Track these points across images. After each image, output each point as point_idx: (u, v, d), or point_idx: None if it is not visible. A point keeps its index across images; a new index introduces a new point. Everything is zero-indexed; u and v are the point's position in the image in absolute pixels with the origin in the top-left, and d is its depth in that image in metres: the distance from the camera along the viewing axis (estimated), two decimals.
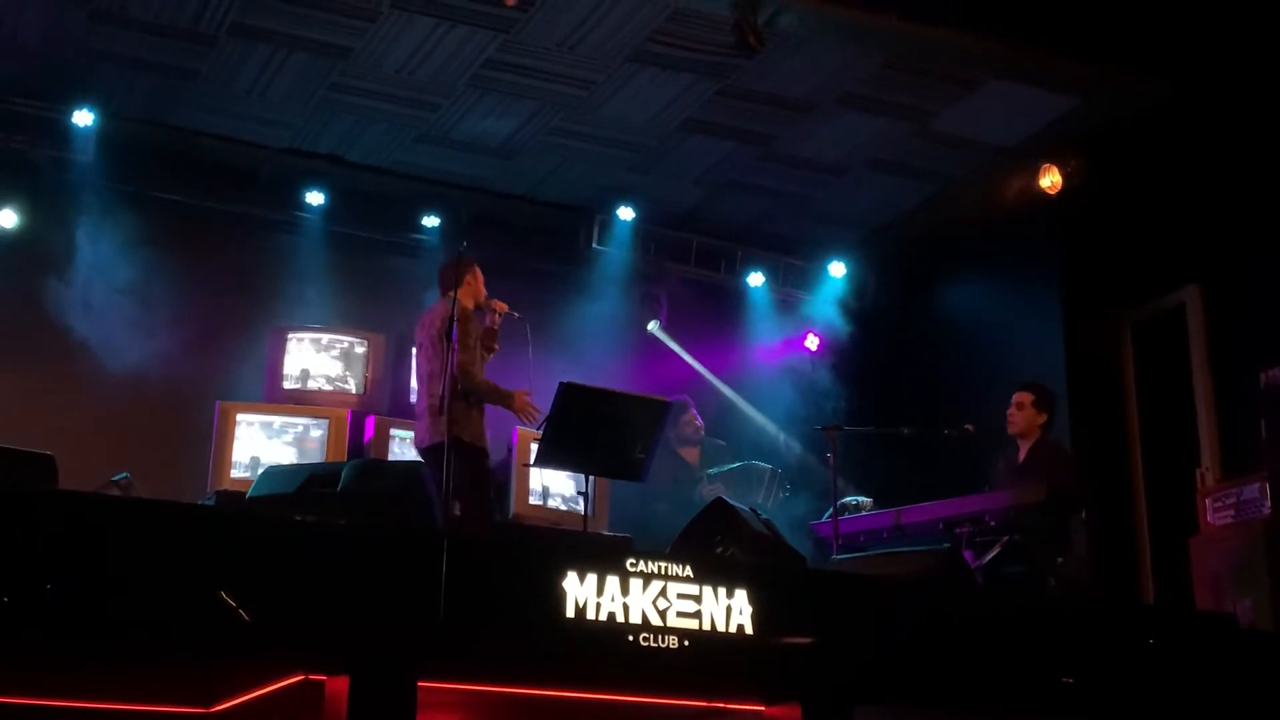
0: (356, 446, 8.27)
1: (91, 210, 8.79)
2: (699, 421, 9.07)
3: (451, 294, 7.01)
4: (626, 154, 9.49)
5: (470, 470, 6.86)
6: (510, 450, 8.37)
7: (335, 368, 8.60)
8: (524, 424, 7.40)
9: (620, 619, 5.30)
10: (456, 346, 6.86)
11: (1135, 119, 8.67)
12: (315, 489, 5.94)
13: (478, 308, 7.32)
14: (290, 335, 8.58)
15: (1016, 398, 7.76)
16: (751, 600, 5.50)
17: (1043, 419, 7.75)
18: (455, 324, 6.90)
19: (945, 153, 9.35)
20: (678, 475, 8.76)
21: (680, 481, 8.74)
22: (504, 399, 7.16)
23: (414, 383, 7.71)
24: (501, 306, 7.27)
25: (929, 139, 9.20)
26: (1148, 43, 8.20)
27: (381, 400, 8.66)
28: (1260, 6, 7.83)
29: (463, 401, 6.91)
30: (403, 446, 8.28)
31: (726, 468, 8.89)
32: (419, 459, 7.09)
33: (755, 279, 10.52)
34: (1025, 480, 7.44)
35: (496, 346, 7.34)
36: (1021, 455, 7.74)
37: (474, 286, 7.32)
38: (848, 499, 8.07)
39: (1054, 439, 7.97)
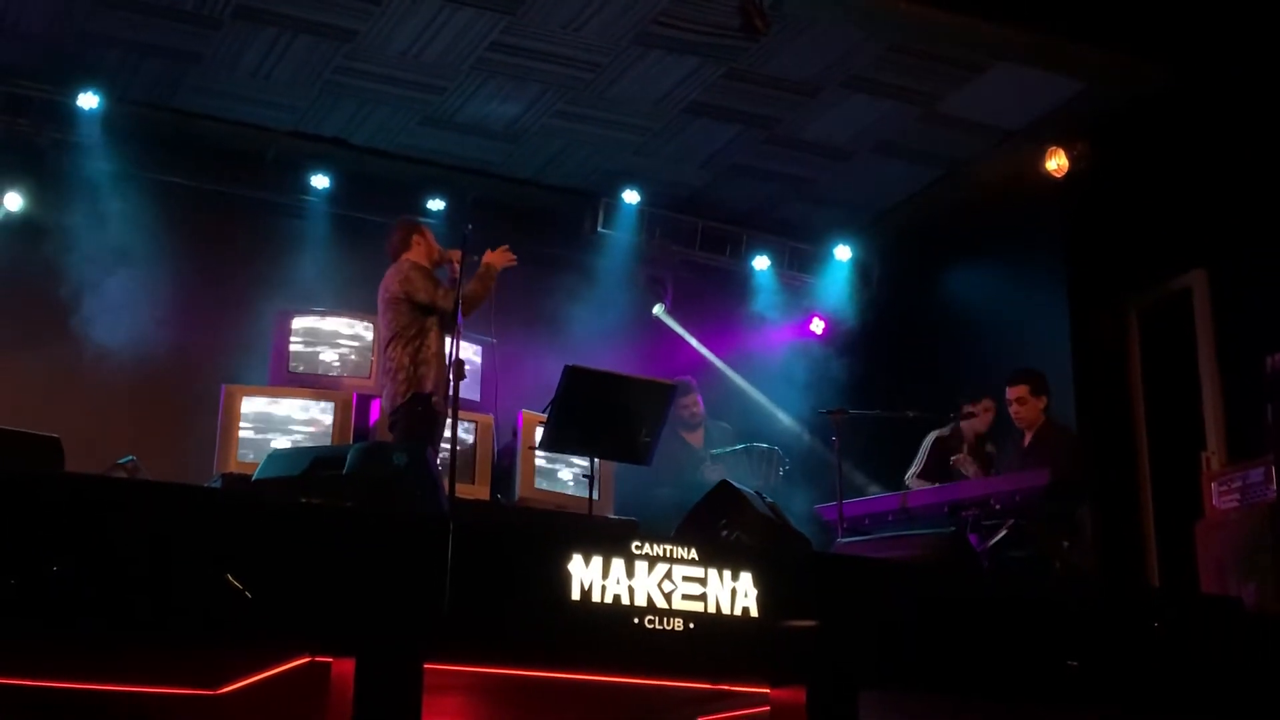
0: (362, 429, 8.26)
1: (96, 193, 8.79)
2: (698, 408, 9.03)
3: (458, 270, 7.05)
4: (632, 137, 9.47)
5: (431, 425, 7.00)
6: (516, 434, 8.37)
7: (340, 351, 8.58)
8: (509, 266, 7.45)
9: (625, 601, 5.32)
10: (461, 330, 6.89)
11: (1141, 103, 8.64)
12: (321, 472, 5.94)
13: (436, 264, 7.35)
14: (295, 318, 8.57)
15: (1013, 393, 7.73)
16: (757, 583, 5.52)
17: (1043, 403, 7.75)
18: (459, 308, 6.90)
19: (951, 136, 9.33)
20: (681, 459, 8.76)
21: (684, 465, 8.73)
22: (486, 273, 7.26)
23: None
24: (457, 255, 7.25)
25: (935, 122, 9.18)
26: (1154, 27, 8.18)
27: None
28: None
29: (434, 353, 7.03)
30: None
31: (729, 449, 8.89)
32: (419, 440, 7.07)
33: (761, 262, 10.51)
34: (1031, 464, 7.44)
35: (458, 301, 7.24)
36: (1026, 440, 7.74)
37: (425, 246, 7.39)
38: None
39: (1059, 423, 7.97)
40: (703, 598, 5.44)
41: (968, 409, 8.03)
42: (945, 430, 8.15)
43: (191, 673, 5.68)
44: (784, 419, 9.95)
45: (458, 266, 7.17)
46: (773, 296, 10.57)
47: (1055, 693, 6.00)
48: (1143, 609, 6.44)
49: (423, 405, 7.02)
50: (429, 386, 7.03)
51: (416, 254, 7.33)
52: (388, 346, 7.22)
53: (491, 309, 7.40)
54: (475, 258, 7.25)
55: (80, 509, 4.76)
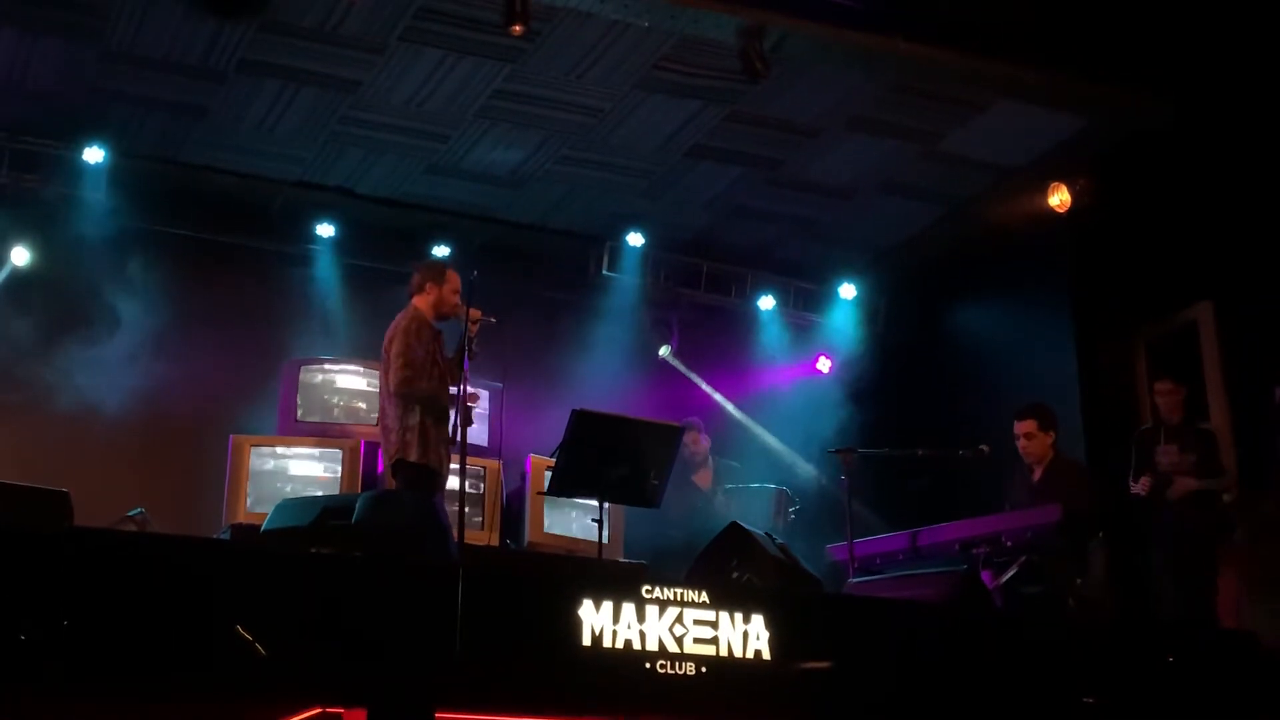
0: (370, 477, 8.26)
1: (103, 247, 8.82)
2: (702, 444, 9.02)
3: (474, 330, 6.86)
4: (635, 181, 9.51)
5: (427, 484, 6.78)
6: (524, 478, 8.37)
7: (348, 399, 8.60)
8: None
9: (637, 646, 5.31)
10: (468, 375, 6.83)
11: (1143, 137, 8.67)
12: (330, 521, 5.93)
13: (443, 316, 7.12)
14: (303, 367, 8.59)
15: (1021, 428, 7.68)
16: (768, 625, 5.50)
17: (1052, 437, 7.72)
18: (467, 354, 6.85)
19: (954, 174, 9.36)
20: (690, 500, 8.74)
21: (692, 506, 8.71)
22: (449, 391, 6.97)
23: None
24: (476, 314, 6.93)
25: (937, 160, 9.21)
26: (1155, 62, 8.21)
27: None
28: (1268, 26, 7.83)
29: (423, 420, 6.83)
30: None
31: (743, 485, 8.88)
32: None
33: (766, 302, 10.52)
34: (1042, 500, 7.41)
35: (473, 352, 6.94)
36: (1038, 475, 7.70)
37: (436, 294, 7.11)
38: None
39: (1070, 457, 7.94)
40: (714, 641, 5.41)
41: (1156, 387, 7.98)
42: (1147, 425, 8.04)
43: None
44: (792, 459, 9.93)
45: (475, 325, 6.86)
46: (779, 336, 10.58)
47: None
48: (1157, 643, 6.40)
49: (409, 470, 6.83)
50: (413, 453, 6.83)
51: (423, 302, 7.15)
52: (382, 400, 7.12)
53: (501, 352, 7.34)
54: (492, 319, 6.98)
55: (90, 563, 4.76)
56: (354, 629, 4.97)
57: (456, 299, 7.13)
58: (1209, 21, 7.98)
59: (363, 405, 8.55)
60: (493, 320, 6.98)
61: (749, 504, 8.65)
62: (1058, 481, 7.61)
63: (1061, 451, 7.83)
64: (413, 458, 6.82)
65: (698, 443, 8.98)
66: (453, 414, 6.80)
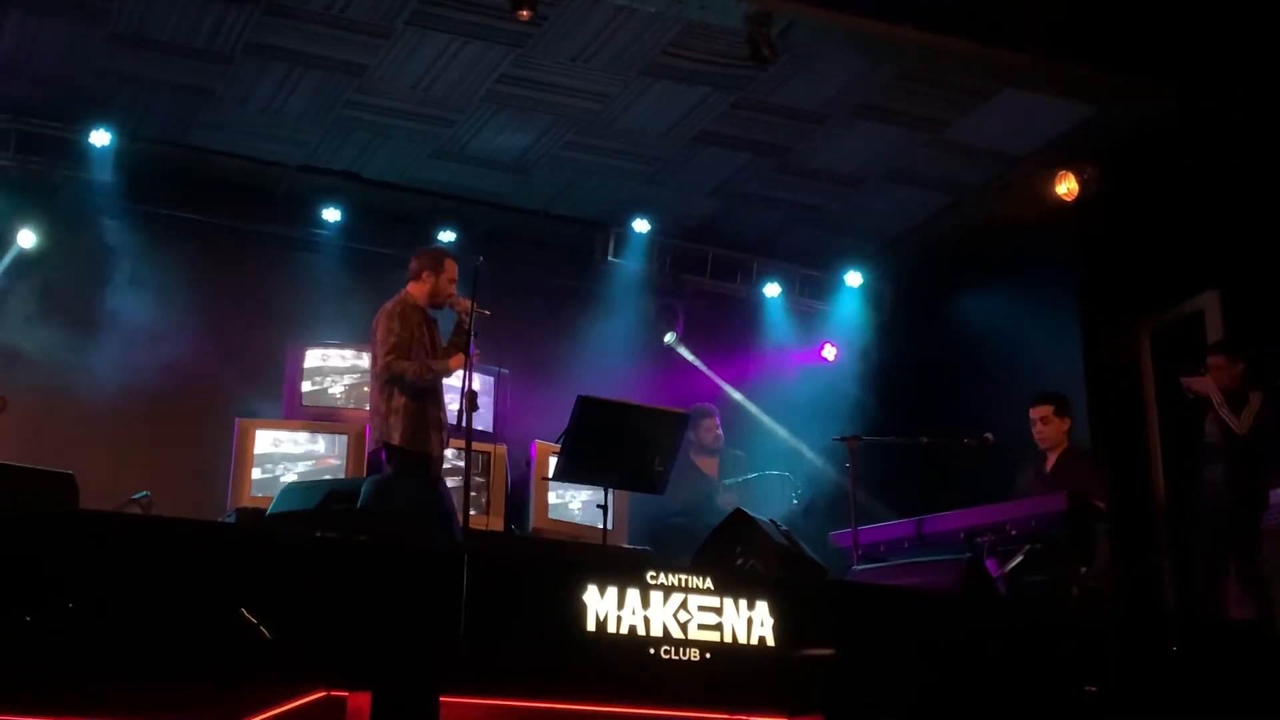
0: (375, 461, 8.27)
1: (109, 230, 8.84)
2: (719, 430, 9.03)
3: (467, 323, 6.78)
4: (641, 167, 9.50)
5: (414, 475, 6.69)
6: (529, 464, 8.37)
7: (353, 383, 8.60)
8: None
9: (641, 632, 5.31)
10: (474, 359, 6.79)
11: (1151, 126, 8.65)
12: (335, 505, 5.94)
13: (435, 305, 7.04)
14: (308, 351, 8.59)
15: (1037, 413, 7.71)
16: (773, 612, 5.50)
17: (1067, 425, 7.74)
18: (472, 336, 6.80)
19: (961, 162, 9.34)
20: (696, 487, 8.74)
21: (698, 493, 8.72)
22: (440, 368, 6.88)
23: None
24: (466, 304, 6.84)
25: (944, 148, 9.19)
26: (1161, 50, 8.20)
27: None
28: (1274, 16, 7.81)
29: (408, 403, 6.76)
30: None
31: (743, 478, 8.88)
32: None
33: (772, 290, 10.52)
34: (1055, 488, 7.41)
35: (467, 344, 6.81)
36: (1050, 464, 7.71)
37: (432, 283, 7.01)
38: None
39: (1083, 447, 7.95)
40: (719, 627, 5.42)
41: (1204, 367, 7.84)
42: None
43: (206, 707, 5.66)
44: (797, 446, 9.93)
45: (465, 318, 6.79)
46: (784, 323, 10.57)
47: (1074, 719, 5.96)
48: (1160, 634, 6.41)
49: (395, 455, 6.76)
50: (398, 437, 6.75)
51: (418, 289, 7.07)
52: (371, 384, 7.06)
53: (503, 338, 7.31)
54: (485, 312, 6.88)
55: (95, 546, 4.77)
56: (359, 613, 4.98)
57: (452, 289, 7.08)
58: (1216, 11, 7.95)
59: (367, 389, 8.52)
60: (486, 314, 6.89)
61: (761, 494, 8.65)
62: (1069, 471, 7.62)
63: (1075, 443, 7.84)
64: (397, 441, 6.76)
65: (717, 427, 8.99)
66: (455, 399, 6.79)
